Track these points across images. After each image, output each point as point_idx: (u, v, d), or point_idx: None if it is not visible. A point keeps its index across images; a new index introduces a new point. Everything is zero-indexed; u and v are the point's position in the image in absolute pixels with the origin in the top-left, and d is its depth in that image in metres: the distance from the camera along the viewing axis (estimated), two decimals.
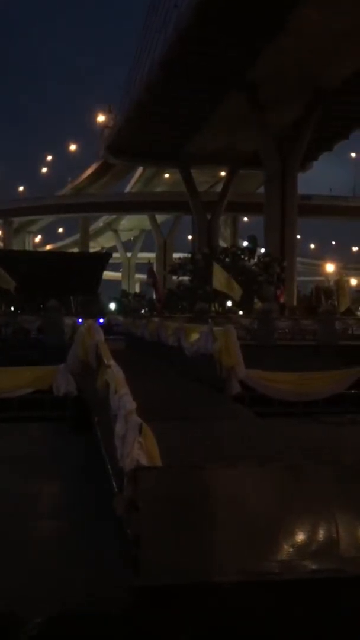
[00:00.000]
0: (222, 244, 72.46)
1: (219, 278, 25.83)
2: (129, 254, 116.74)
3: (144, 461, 5.21)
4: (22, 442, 11.73)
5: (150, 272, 41.39)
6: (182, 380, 14.79)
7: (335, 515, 5.30)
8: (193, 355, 14.74)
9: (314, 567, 5.10)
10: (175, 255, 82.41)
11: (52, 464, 9.99)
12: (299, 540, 5.25)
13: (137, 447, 5.27)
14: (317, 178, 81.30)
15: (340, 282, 39.28)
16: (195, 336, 14.64)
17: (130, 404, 6.13)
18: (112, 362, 8.55)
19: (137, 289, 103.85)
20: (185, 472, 5.31)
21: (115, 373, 7.87)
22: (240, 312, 39.05)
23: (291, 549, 5.19)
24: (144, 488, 5.09)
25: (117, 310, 58.76)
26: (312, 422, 11.47)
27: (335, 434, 9.39)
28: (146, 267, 78.11)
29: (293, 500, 5.40)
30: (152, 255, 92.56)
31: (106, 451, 8.08)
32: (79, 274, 36.15)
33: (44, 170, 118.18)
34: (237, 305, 41.17)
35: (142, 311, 45.34)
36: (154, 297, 70.89)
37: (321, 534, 5.33)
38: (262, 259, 46.02)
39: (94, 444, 9.59)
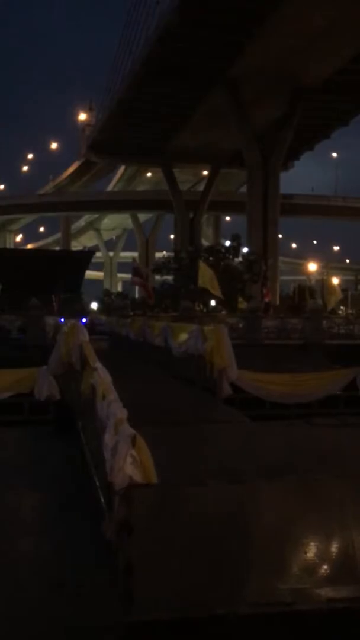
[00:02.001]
0: (205, 242, 71.95)
1: (205, 276, 25.38)
2: (111, 253, 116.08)
3: (137, 478, 4.58)
4: (0, 449, 11.06)
5: (136, 271, 40.78)
6: (170, 381, 14.21)
7: (353, 535, 4.73)
8: (181, 356, 14.18)
9: (331, 595, 4.51)
10: (158, 254, 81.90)
11: (32, 473, 9.31)
12: (314, 566, 4.65)
13: (130, 461, 4.64)
14: (299, 177, 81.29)
15: (327, 281, 38.93)
16: (183, 336, 14.05)
17: (120, 411, 5.52)
18: (98, 365, 7.94)
19: (119, 288, 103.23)
20: (185, 490, 4.68)
21: (102, 376, 7.28)
22: (223, 312, 38.60)
23: (305, 576, 4.59)
24: (138, 509, 4.46)
25: (100, 309, 58.09)
26: (304, 424, 10.93)
27: (332, 437, 8.81)
28: (129, 266, 77.58)
29: (307, 519, 4.81)
30: (135, 254, 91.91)
31: (92, 461, 7.48)
32: (61, 272, 35.47)
33: (25, 168, 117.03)
34: (221, 304, 40.70)
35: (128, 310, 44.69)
36: (137, 295, 70.50)
37: (339, 557, 4.72)
38: (247, 258, 45.56)
39: (78, 452, 8.98)
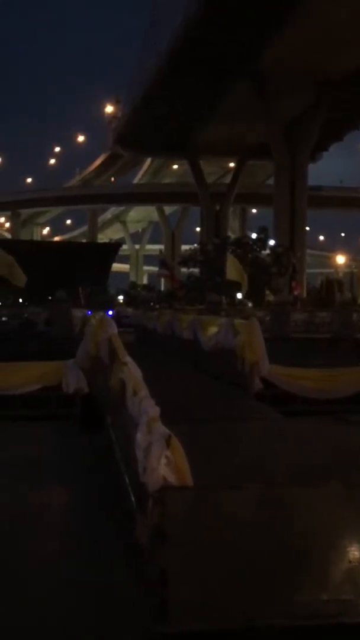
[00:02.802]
0: (231, 235, 71.57)
1: (234, 268, 25.00)
2: (137, 246, 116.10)
3: (172, 479, 4.35)
4: (26, 444, 10.85)
5: (163, 263, 40.60)
6: (199, 376, 13.95)
7: None
8: (211, 350, 13.92)
9: None
10: (184, 247, 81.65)
11: (59, 470, 9.10)
12: None
13: (164, 462, 4.40)
14: (327, 169, 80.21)
15: (357, 274, 38.35)
16: (213, 329, 13.78)
17: (152, 409, 5.29)
18: (128, 359, 7.72)
19: (145, 280, 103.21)
20: (222, 493, 4.42)
21: (132, 371, 7.06)
22: (250, 304, 38.30)
23: (350, 586, 4.32)
24: (173, 512, 4.21)
25: (125, 301, 58.04)
26: (339, 421, 10.62)
27: None
28: (155, 258, 77.56)
29: (351, 526, 4.54)
30: (160, 247, 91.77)
31: (122, 458, 7.27)
32: (88, 265, 35.40)
33: (52, 161, 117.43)
34: (247, 297, 40.39)
35: (152, 303, 44.61)
36: (162, 288, 70.33)
37: None
38: (275, 250, 45.09)
39: (107, 448, 8.78)
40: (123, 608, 4.86)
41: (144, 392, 6.05)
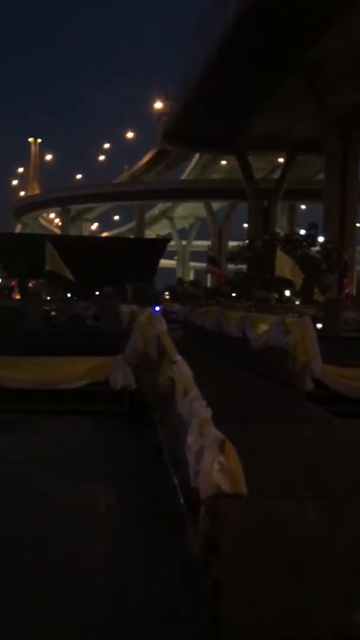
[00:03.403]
0: (279, 231, 70.87)
1: (284, 265, 24.54)
2: (183, 242, 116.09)
3: (225, 486, 4.14)
4: (73, 440, 10.79)
5: (211, 260, 40.40)
6: (248, 375, 13.65)
7: None
8: (260, 348, 13.63)
9: None
10: (231, 243, 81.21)
11: (105, 468, 8.94)
12: None
13: (217, 468, 4.19)
14: None
15: None
16: (263, 327, 13.49)
17: (204, 410, 5.08)
18: (178, 357, 7.54)
19: (191, 276, 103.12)
20: (279, 502, 4.19)
21: (182, 370, 6.88)
22: (297, 302, 37.79)
23: None
24: (227, 522, 4.00)
25: (171, 298, 57.93)
26: None
27: None
28: (201, 254, 77.34)
29: None
30: (207, 243, 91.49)
31: (170, 458, 7.10)
32: (136, 260, 35.35)
33: (101, 158, 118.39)
34: (295, 294, 39.87)
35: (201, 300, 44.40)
36: (209, 284, 70.07)
37: None
38: (326, 247, 44.30)
39: (154, 447, 8.63)
40: (172, 618, 4.67)
41: (194, 392, 5.86)
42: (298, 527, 4.10)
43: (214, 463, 4.19)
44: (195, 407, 5.35)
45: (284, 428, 8.24)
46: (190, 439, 4.95)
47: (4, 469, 8.84)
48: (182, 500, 5.63)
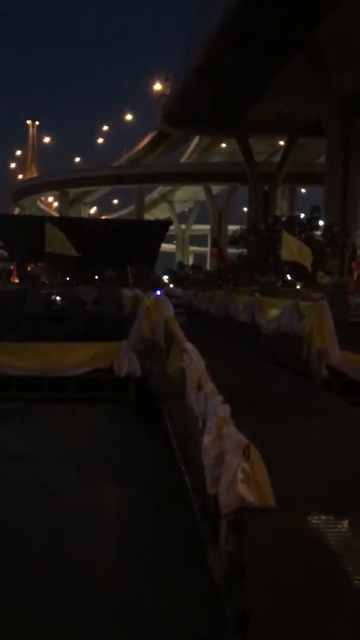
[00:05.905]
0: (280, 215, 70.21)
1: (290, 247, 23.97)
2: (183, 226, 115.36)
3: (251, 499, 3.59)
4: (79, 432, 10.39)
5: (215, 242, 39.93)
6: (259, 363, 13.04)
7: None
8: (272, 334, 13.17)
9: None
10: (231, 227, 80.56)
11: (115, 463, 8.49)
12: None
13: (241, 477, 3.64)
14: None
15: None
16: (274, 312, 13.03)
17: (222, 408, 4.58)
18: (189, 345, 7.07)
19: (191, 260, 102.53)
20: (314, 518, 3.66)
21: (194, 360, 6.42)
22: (298, 287, 37.35)
23: None
24: (253, 541, 3.43)
25: (170, 281, 57.42)
26: None
27: None
28: (201, 238, 76.70)
29: None
30: (207, 227, 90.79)
31: (181, 454, 6.64)
32: (137, 243, 34.78)
33: (100, 140, 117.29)
34: (297, 278, 39.43)
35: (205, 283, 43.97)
36: (208, 267, 69.49)
37: None
38: (330, 230, 43.69)
39: (162, 440, 8.22)
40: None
41: (209, 386, 5.40)
42: (336, 546, 3.59)
43: (237, 471, 3.70)
44: (211, 403, 4.89)
45: (309, 424, 7.65)
46: (207, 439, 4.49)
47: (10, 464, 8.45)
48: (194, 505, 5.15)
